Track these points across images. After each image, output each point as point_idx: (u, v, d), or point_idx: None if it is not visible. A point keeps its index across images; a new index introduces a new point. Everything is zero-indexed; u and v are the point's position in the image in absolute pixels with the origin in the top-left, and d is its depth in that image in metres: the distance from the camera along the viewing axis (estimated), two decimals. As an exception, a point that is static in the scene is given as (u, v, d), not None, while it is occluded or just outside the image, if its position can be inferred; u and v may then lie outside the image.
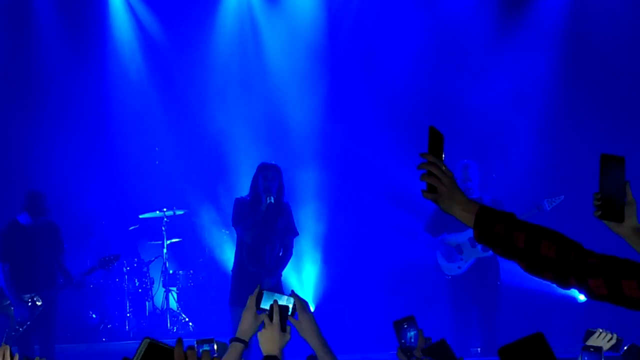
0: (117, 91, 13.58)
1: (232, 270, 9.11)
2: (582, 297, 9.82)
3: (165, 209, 12.41)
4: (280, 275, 8.96)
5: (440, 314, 9.91)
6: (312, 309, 11.47)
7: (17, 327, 9.57)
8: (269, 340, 4.18)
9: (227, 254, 12.40)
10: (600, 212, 3.27)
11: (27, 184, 10.86)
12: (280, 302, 4.27)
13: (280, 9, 13.46)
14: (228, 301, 8.85)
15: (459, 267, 9.75)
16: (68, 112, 13.03)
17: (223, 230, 12.56)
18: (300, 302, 4.29)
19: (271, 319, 4.18)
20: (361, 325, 11.61)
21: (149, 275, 12.40)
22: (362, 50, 13.02)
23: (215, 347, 4.76)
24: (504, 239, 2.80)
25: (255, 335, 4.36)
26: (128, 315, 12.00)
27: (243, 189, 9.87)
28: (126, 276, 12.16)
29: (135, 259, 12.34)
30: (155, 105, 13.60)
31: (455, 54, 12.68)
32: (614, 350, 4.94)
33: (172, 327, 11.89)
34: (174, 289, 12.35)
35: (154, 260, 12.52)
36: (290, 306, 4.29)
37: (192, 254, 12.94)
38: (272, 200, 8.71)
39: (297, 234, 9.14)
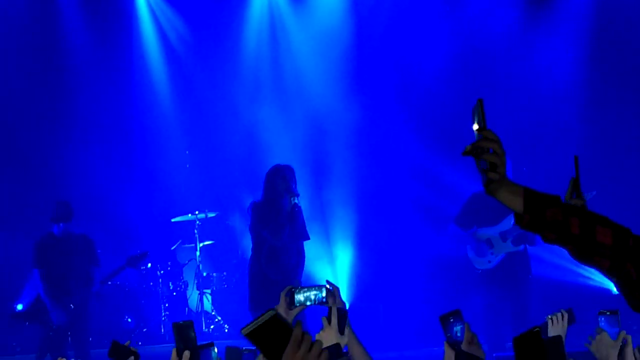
0: (147, 95, 13.64)
1: (250, 275, 8.89)
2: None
3: (197, 212, 12.45)
4: (299, 278, 8.85)
5: (471, 308, 9.89)
6: (346, 306, 11.36)
7: (50, 332, 9.64)
8: (326, 342, 4.19)
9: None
10: None
11: (57, 192, 10.94)
12: (312, 294, 4.27)
13: (306, 9, 13.46)
14: (248, 307, 8.73)
15: (489, 262, 9.71)
16: (97, 118, 13.09)
17: (255, 232, 12.57)
18: (331, 291, 4.30)
19: (329, 321, 4.19)
20: (393, 322, 11.60)
21: (183, 278, 12.44)
22: (391, 46, 13.00)
23: (216, 349, 4.78)
24: (560, 224, 2.59)
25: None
26: (163, 318, 12.06)
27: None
28: (160, 280, 12.22)
29: (169, 263, 12.39)
30: (184, 108, 13.65)
31: (485, 48, 12.63)
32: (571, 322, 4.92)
33: (207, 329, 11.93)
34: (208, 291, 12.39)
35: (187, 263, 12.56)
36: (323, 294, 4.29)
37: (225, 255, 12.97)
38: (297, 201, 8.64)
39: (308, 238, 9.00)
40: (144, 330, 11.98)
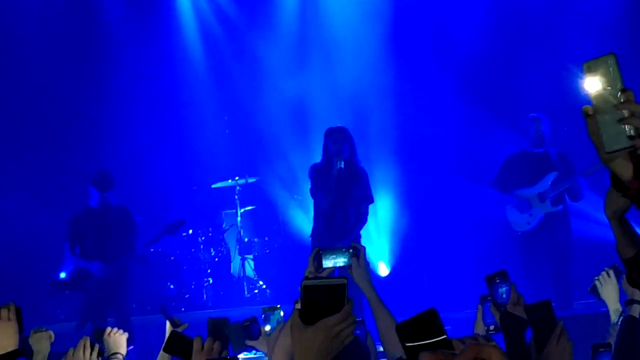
0: (185, 62, 13.64)
1: (310, 237, 9.12)
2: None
3: (237, 178, 12.43)
4: (353, 240, 8.83)
5: (511, 271, 9.78)
6: (387, 270, 11.31)
7: (91, 300, 9.70)
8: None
9: (301, 220, 12.40)
10: None
11: (97, 160, 10.97)
12: (339, 258, 4.23)
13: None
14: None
15: (528, 223, 9.60)
16: (137, 86, 13.09)
17: (295, 197, 12.55)
18: (356, 250, 4.28)
19: (358, 259, 4.22)
20: (434, 283, 11.58)
21: (224, 244, 12.44)
22: (431, 15, 12.85)
23: (282, 313, 4.74)
24: None
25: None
26: (205, 284, 12.07)
27: (312, 154, 9.82)
28: (202, 246, 12.23)
29: (210, 229, 12.39)
30: (223, 73, 13.61)
31: (525, 11, 12.44)
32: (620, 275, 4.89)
33: (249, 294, 11.94)
34: (250, 256, 12.39)
35: (228, 229, 12.55)
36: (350, 257, 4.27)
37: (266, 221, 12.95)
38: (342, 165, 8.62)
39: (372, 201, 9.04)
40: (186, 296, 12.01)
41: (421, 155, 12.38)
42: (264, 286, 12.03)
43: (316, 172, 9.00)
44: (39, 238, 11.76)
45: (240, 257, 12.33)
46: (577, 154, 9.82)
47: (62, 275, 10.21)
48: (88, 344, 4.37)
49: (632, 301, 4.54)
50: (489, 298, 4.27)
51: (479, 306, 4.35)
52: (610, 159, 2.24)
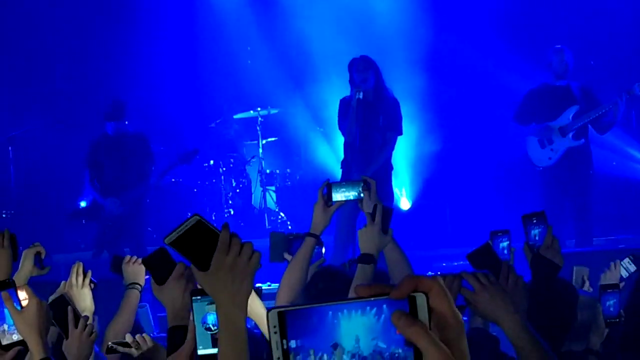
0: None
1: (342, 169, 9.02)
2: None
3: (259, 109, 12.35)
4: (379, 169, 8.69)
5: (533, 206, 9.72)
6: (409, 203, 11.26)
7: (106, 229, 9.73)
8: (368, 239, 4.10)
9: (323, 152, 12.33)
10: None
11: (118, 91, 10.90)
12: (350, 191, 4.17)
13: None
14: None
15: (549, 158, 9.48)
16: (159, 15, 12.97)
17: (318, 128, 12.48)
18: (367, 184, 4.21)
19: (373, 218, 4.09)
20: (454, 219, 11.56)
21: (245, 176, 12.42)
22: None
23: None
24: None
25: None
26: (226, 215, 12.06)
27: (335, 86, 9.72)
28: (223, 177, 12.18)
29: (232, 160, 12.34)
30: (245, 5, 13.45)
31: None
32: None
33: (270, 226, 11.92)
34: (272, 188, 12.35)
35: (250, 159, 12.51)
36: (359, 193, 4.19)
37: (288, 153, 12.91)
38: (361, 96, 8.48)
39: (400, 131, 8.88)
40: (207, 227, 12.00)
41: (443, 90, 12.23)
42: (285, 218, 12.01)
43: (342, 105, 8.91)
44: (59, 167, 11.78)
45: (261, 189, 12.30)
46: (600, 88, 9.70)
47: (83, 204, 10.24)
48: (81, 269, 4.32)
49: None
50: (499, 233, 4.20)
51: (489, 242, 4.28)
52: None
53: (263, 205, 12.21)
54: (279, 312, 1.34)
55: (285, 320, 1.34)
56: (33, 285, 3.34)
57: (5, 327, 3.01)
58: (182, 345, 2.47)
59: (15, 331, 2.92)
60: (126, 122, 9.93)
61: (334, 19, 12.75)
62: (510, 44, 11.63)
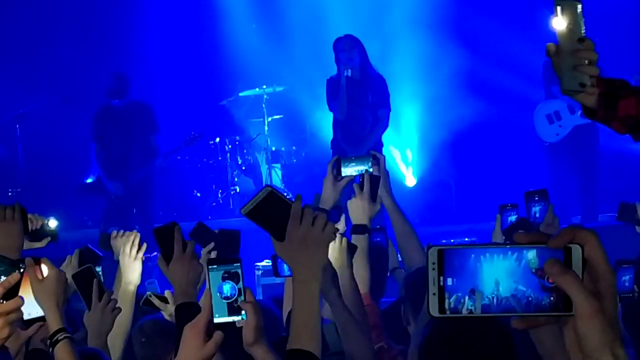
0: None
1: (331, 149, 9.19)
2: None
3: (264, 86, 12.36)
4: (372, 146, 8.75)
5: (539, 182, 9.74)
6: (414, 180, 11.27)
7: (113, 206, 9.75)
8: (358, 209, 4.15)
9: (328, 130, 12.34)
10: None
11: (124, 67, 10.89)
12: (359, 165, 4.20)
13: None
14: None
15: (557, 134, 9.49)
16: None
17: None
18: (376, 159, 4.25)
19: (362, 187, 4.13)
20: (460, 195, 11.59)
21: (252, 153, 12.45)
22: None
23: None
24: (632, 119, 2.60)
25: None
26: (232, 192, 12.10)
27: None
28: (229, 154, 12.21)
29: (237, 137, 12.36)
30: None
31: None
32: None
33: (276, 203, 11.94)
34: (278, 165, 12.37)
35: (255, 137, 12.53)
36: (370, 164, 4.23)
37: (293, 130, 12.93)
38: (350, 74, 8.59)
39: (389, 108, 8.97)
40: (213, 204, 12.05)
41: (450, 63, 12.20)
42: (291, 195, 12.03)
43: (330, 85, 9.05)
44: (66, 144, 11.80)
45: (267, 166, 12.33)
46: (608, 67, 9.64)
47: (89, 180, 10.28)
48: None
49: None
50: (508, 207, 4.24)
51: (498, 215, 4.32)
52: (568, 94, 2.53)
53: (269, 183, 12.24)
54: (438, 250, 1.42)
55: (444, 258, 1.42)
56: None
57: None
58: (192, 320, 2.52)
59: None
60: (127, 96, 9.93)
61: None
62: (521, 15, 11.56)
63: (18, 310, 2.28)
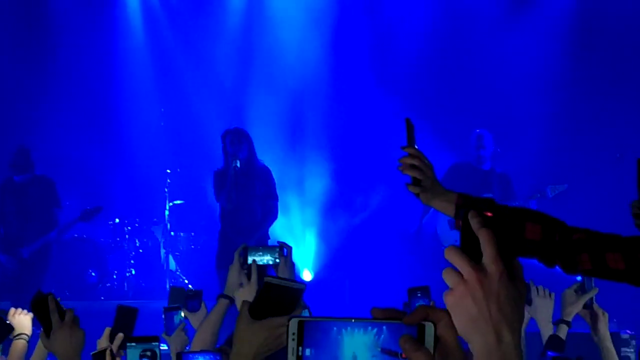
0: (125, 52, 13.56)
1: (218, 239, 9.20)
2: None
3: (168, 170, 12.36)
4: (260, 237, 8.90)
5: (439, 285, 9.88)
6: (310, 275, 11.31)
7: (6, 280, 9.60)
8: (246, 298, 4.17)
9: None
10: None
11: (29, 144, 10.82)
12: (265, 256, 4.23)
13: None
14: (215, 266, 8.97)
15: (456, 240, 9.64)
16: (74, 71, 12.97)
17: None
18: (283, 250, 4.28)
19: (249, 277, 4.16)
20: (356, 292, 11.66)
21: (150, 236, 12.37)
22: (371, 25, 12.94)
23: (182, 314, 4.74)
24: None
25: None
26: (128, 275, 11.99)
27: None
28: (127, 236, 12.13)
29: (137, 219, 12.30)
30: (164, 64, 13.56)
31: (467, 28, 12.56)
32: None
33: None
34: (175, 251, 12.32)
35: (155, 221, 12.48)
36: (274, 258, 4.26)
37: (194, 216, 12.90)
38: (238, 165, 8.70)
39: (276, 198, 9.10)
40: (107, 285, 11.91)
41: (353, 160, 12.42)
42: (186, 281, 11.99)
43: (217, 176, 9.10)
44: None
45: (164, 250, 12.26)
46: (517, 178, 9.87)
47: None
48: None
49: (562, 321, 4.58)
50: (418, 292, 4.33)
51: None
52: (425, 202, 3.03)
53: (165, 267, 12.16)
54: (299, 321, 1.47)
55: (303, 330, 1.46)
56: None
57: None
58: None
59: None
60: (29, 172, 9.87)
61: (243, 88, 12.92)
62: (430, 121, 11.87)
63: None
